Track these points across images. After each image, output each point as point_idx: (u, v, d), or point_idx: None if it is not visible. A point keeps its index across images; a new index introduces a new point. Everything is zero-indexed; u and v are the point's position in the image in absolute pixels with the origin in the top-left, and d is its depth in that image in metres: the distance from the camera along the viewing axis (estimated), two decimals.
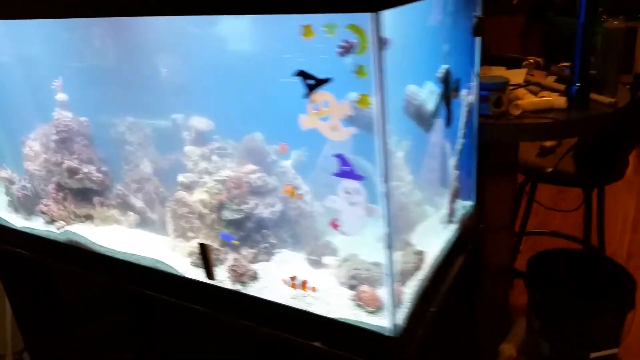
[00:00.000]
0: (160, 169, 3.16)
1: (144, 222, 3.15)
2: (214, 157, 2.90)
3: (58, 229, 3.11)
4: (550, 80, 3.86)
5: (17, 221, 3.42)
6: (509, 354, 4.05)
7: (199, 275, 2.67)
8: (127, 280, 2.87)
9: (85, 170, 2.96)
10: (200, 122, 2.88)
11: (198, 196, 2.83)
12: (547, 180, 4.25)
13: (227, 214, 2.66)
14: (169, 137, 3.24)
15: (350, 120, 1.91)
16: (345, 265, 2.53)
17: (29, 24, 3.16)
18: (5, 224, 3.45)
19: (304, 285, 2.40)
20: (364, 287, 2.32)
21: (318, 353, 2.36)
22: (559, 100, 3.39)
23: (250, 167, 2.73)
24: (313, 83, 1.85)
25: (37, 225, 3.29)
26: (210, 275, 2.60)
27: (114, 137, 3.29)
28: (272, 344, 2.51)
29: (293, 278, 2.39)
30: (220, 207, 2.69)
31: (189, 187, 2.86)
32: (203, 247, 2.55)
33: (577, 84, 3.38)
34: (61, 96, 3.07)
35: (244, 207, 2.64)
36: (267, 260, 2.68)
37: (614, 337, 2.94)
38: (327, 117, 1.90)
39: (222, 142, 2.95)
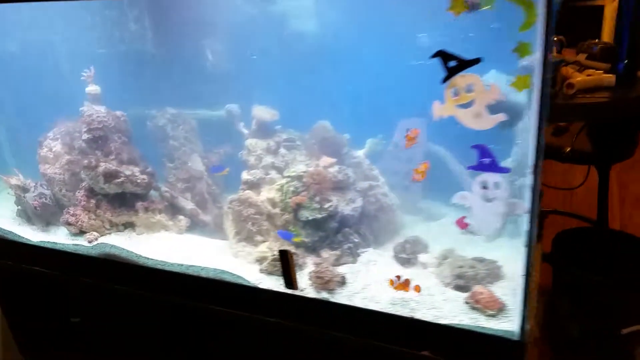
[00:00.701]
0: (213, 165, 2.82)
1: (194, 226, 2.78)
2: (282, 150, 2.59)
3: (90, 242, 2.68)
4: (582, 57, 3.76)
5: (32, 234, 2.94)
6: (531, 336, 3.89)
7: (274, 284, 2.35)
8: (185, 296, 2.49)
9: (128, 172, 2.56)
10: (263, 112, 2.57)
11: (266, 195, 2.51)
12: (564, 160, 4.16)
13: (307, 214, 2.36)
14: (221, 129, 2.90)
15: (493, 108, 1.66)
16: (446, 264, 2.29)
17: (46, 6, 2.75)
18: (16, 238, 2.96)
19: (406, 284, 2.13)
20: (479, 288, 2.08)
21: None
22: (609, 78, 3.28)
23: (328, 159, 2.44)
24: (455, 65, 1.58)
25: (59, 238, 2.83)
26: (292, 284, 2.28)
27: (153, 132, 2.92)
28: (370, 356, 2.22)
29: (399, 277, 2.12)
30: (297, 206, 2.38)
31: (254, 185, 2.53)
32: (284, 254, 2.23)
33: (624, 61, 3.29)
34: (93, 88, 2.66)
35: (326, 205, 2.34)
36: (353, 262, 2.39)
37: None
38: (469, 104, 1.64)
39: (287, 134, 2.66)
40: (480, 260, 2.26)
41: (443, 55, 1.57)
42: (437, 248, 2.40)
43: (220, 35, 2.78)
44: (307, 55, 2.71)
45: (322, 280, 2.24)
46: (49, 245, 2.81)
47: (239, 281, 2.40)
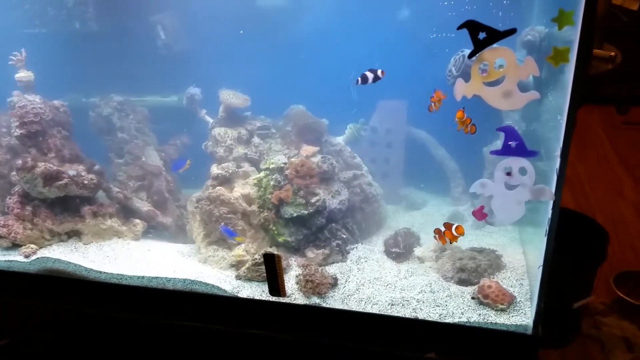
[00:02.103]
0: (173, 160, 2.45)
1: (151, 230, 2.40)
2: (255, 140, 2.28)
3: (27, 256, 2.23)
4: None
5: None
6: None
7: (255, 291, 2.07)
8: (149, 312, 2.14)
9: (72, 172, 2.13)
10: (233, 97, 2.23)
11: (240, 191, 2.19)
12: None
13: (291, 210, 2.08)
14: (177, 117, 2.54)
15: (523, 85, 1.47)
16: (445, 257, 2.11)
17: None
18: None
19: (450, 234, 1.83)
20: (487, 281, 1.92)
21: None
22: None
23: (311, 148, 2.17)
24: (485, 37, 1.36)
25: None
26: (279, 291, 2.00)
27: (96, 123, 2.49)
28: None
29: (437, 231, 1.84)
30: (280, 202, 2.09)
31: (226, 181, 2.21)
32: (271, 257, 1.94)
33: None
34: (25, 74, 2.18)
35: (313, 199, 2.07)
36: (343, 261, 2.15)
37: (591, 287, 2.98)
38: (497, 82, 1.43)
39: (260, 121, 2.35)
40: (480, 250, 2.12)
41: (472, 26, 1.34)
42: (430, 240, 2.22)
43: (176, 12, 2.41)
44: (276, 33, 2.42)
45: (313, 284, 1.99)
46: None
47: (214, 291, 2.09)
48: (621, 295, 2.90)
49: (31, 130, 2.17)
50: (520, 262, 2.13)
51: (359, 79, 1.75)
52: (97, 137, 2.48)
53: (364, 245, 2.27)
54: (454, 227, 1.75)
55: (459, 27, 1.37)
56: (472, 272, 2.02)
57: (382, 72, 1.77)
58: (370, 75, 1.74)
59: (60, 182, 2.15)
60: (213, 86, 2.42)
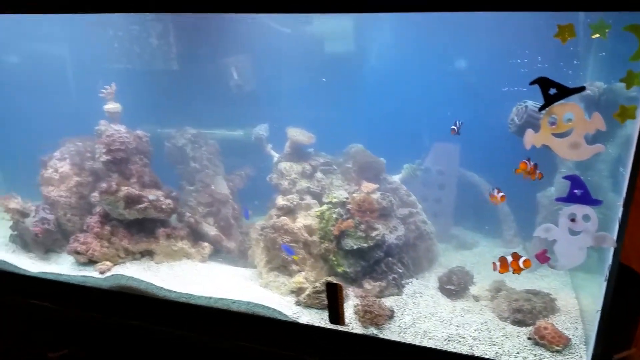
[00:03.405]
0: (237, 189, 2.63)
1: (217, 253, 2.56)
2: (318, 175, 2.44)
3: (102, 272, 2.41)
4: None
5: (29, 264, 2.63)
6: None
7: (314, 318, 2.17)
8: (214, 332, 2.26)
9: (152, 197, 2.33)
10: (299, 134, 2.42)
11: (303, 221, 2.34)
12: None
13: (352, 243, 2.21)
14: (245, 151, 2.74)
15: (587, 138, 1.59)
16: (500, 297, 2.18)
17: (60, 20, 2.54)
18: (10, 269, 2.62)
19: (516, 264, 1.89)
20: (543, 323, 1.98)
21: None
22: None
23: (371, 185, 2.32)
24: (555, 93, 1.50)
25: (63, 268, 2.54)
26: (338, 319, 2.11)
27: (170, 153, 2.71)
28: None
29: (502, 259, 1.88)
30: (342, 233, 2.23)
31: (290, 211, 2.36)
32: (333, 287, 2.06)
33: None
34: (113, 106, 2.44)
35: (373, 233, 2.20)
36: (399, 294, 2.25)
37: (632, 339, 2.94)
38: (565, 133, 1.56)
39: (322, 157, 2.52)
40: (535, 293, 2.18)
41: (544, 82, 1.48)
42: (484, 279, 2.30)
43: (249, 56, 2.64)
44: (339, 77, 2.61)
45: (371, 315, 2.08)
46: (51, 277, 2.51)
47: (275, 315, 2.20)
48: None
49: (117, 157, 2.39)
50: (574, 306, 2.18)
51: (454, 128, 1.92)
52: (170, 166, 2.68)
53: (419, 280, 2.36)
54: (521, 259, 1.81)
55: (532, 83, 1.51)
56: (528, 313, 2.08)
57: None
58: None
59: (140, 206, 2.35)
60: (278, 124, 2.61)
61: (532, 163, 1.74)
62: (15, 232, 2.75)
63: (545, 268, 2.51)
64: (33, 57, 2.70)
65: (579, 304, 2.19)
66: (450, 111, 2.29)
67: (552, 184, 2.40)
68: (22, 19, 2.55)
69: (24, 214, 2.63)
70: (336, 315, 2.11)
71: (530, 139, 1.59)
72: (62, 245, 2.69)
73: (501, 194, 1.83)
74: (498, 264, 1.87)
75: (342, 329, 2.12)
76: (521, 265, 1.81)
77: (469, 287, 2.25)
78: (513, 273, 1.83)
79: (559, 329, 1.98)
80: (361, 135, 2.59)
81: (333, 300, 2.10)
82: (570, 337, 1.96)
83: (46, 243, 2.64)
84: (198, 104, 2.68)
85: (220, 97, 2.65)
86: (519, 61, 1.80)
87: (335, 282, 2.06)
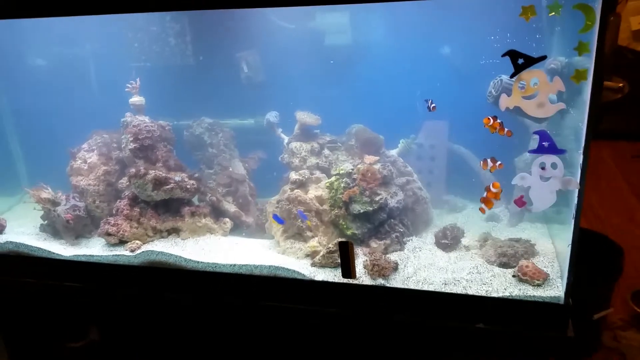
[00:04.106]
0: (252, 169, 2.94)
1: (236, 228, 2.86)
2: (326, 151, 2.76)
3: (132, 250, 2.68)
4: None
5: (62, 249, 2.87)
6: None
7: (328, 275, 2.49)
8: (241, 295, 2.56)
9: (177, 178, 2.61)
10: (307, 117, 2.74)
11: (314, 193, 2.66)
12: None
13: (358, 207, 2.54)
14: (257, 137, 3.04)
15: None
16: (487, 245, 2.54)
17: (88, 21, 2.81)
18: (45, 255, 2.85)
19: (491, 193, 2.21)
20: (525, 262, 2.34)
21: (480, 335, 2.32)
22: None
23: (372, 157, 2.65)
24: (522, 62, 1.86)
25: (95, 250, 2.79)
26: (350, 274, 2.43)
27: (188, 140, 3.01)
28: (429, 334, 2.41)
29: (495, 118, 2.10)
30: (350, 200, 2.55)
31: (302, 185, 2.68)
32: (345, 244, 2.38)
33: None
34: (137, 99, 2.71)
35: (377, 198, 2.53)
36: (401, 250, 2.58)
37: (609, 300, 3.33)
38: (532, 96, 1.92)
39: (328, 136, 2.84)
40: (517, 240, 2.54)
41: (513, 54, 1.84)
42: (471, 234, 2.65)
43: (257, 50, 2.94)
44: (340, 66, 2.93)
45: (379, 268, 2.41)
46: (83, 259, 2.77)
47: (295, 276, 2.51)
48: (638, 310, 3.26)
49: (144, 144, 2.66)
50: (551, 250, 2.54)
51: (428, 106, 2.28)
52: (189, 152, 2.97)
53: (418, 238, 2.70)
54: (497, 162, 2.13)
55: (503, 55, 1.87)
56: (511, 256, 2.43)
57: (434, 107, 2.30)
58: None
59: (167, 187, 2.63)
60: (286, 110, 2.93)
61: (497, 120, 2.08)
62: (46, 222, 3.00)
63: (525, 222, 2.90)
64: (59, 57, 2.96)
65: (554, 248, 2.56)
66: (424, 90, 2.65)
67: (527, 148, 2.77)
68: (49, 21, 2.82)
69: (55, 203, 2.88)
70: (348, 270, 2.43)
71: (505, 102, 1.95)
72: (91, 230, 2.94)
73: (498, 162, 2.15)
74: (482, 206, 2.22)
75: (353, 282, 2.45)
76: (492, 189, 2.16)
77: (461, 240, 2.60)
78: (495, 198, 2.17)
79: (539, 267, 2.34)
80: (361, 116, 2.91)
81: (345, 257, 2.42)
82: (549, 273, 2.32)
83: (77, 229, 2.89)
84: (212, 96, 2.97)
85: (232, 89, 2.94)
86: (492, 38, 2.16)
87: (346, 240, 2.38)
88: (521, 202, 2.13)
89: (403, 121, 2.90)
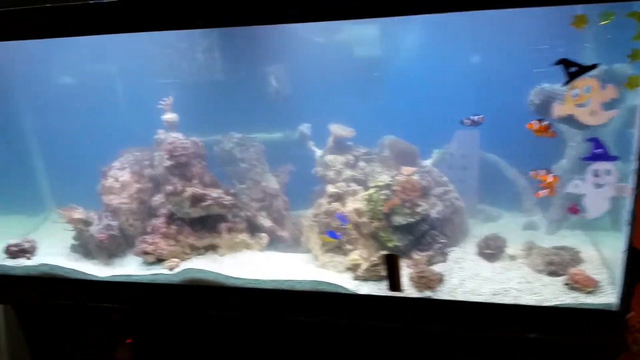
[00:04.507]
0: (284, 183, 2.92)
1: (271, 242, 2.82)
2: (361, 164, 2.74)
3: (171, 269, 2.64)
4: None
5: (97, 270, 2.79)
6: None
7: (372, 289, 2.45)
8: (284, 311, 2.51)
9: (214, 194, 2.58)
10: (341, 129, 2.72)
11: (352, 205, 2.63)
12: None
13: (400, 219, 2.51)
14: (286, 151, 3.03)
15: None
16: (534, 254, 2.51)
17: (119, 40, 2.79)
18: (79, 276, 2.77)
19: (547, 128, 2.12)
20: (575, 270, 2.31)
21: (533, 345, 2.29)
22: None
23: (410, 168, 2.63)
24: (575, 70, 1.85)
25: (132, 270, 2.74)
26: (397, 287, 2.39)
27: (219, 156, 2.98)
28: (480, 346, 2.37)
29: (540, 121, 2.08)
30: (391, 211, 2.52)
31: (339, 198, 2.65)
32: (391, 257, 2.35)
33: None
34: (171, 116, 2.69)
35: (418, 209, 2.50)
36: (444, 261, 2.55)
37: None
38: (585, 103, 1.91)
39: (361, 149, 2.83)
40: (562, 248, 2.51)
41: (565, 62, 1.83)
42: (512, 243, 2.62)
43: (286, 65, 2.94)
44: (369, 78, 2.92)
45: (426, 279, 2.37)
46: (121, 279, 2.72)
47: (338, 290, 2.47)
48: None
49: (179, 162, 2.64)
50: (596, 258, 2.51)
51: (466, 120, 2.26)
52: (217, 168, 2.94)
53: (459, 248, 2.67)
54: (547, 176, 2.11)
55: (556, 63, 1.86)
56: (559, 265, 2.40)
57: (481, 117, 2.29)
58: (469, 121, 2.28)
59: (205, 203, 2.60)
60: (314, 124, 2.92)
61: (543, 122, 2.06)
62: (78, 242, 2.95)
63: (565, 229, 2.88)
64: (88, 74, 2.95)
65: (600, 255, 2.53)
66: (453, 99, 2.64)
67: (564, 156, 2.75)
68: (76, 40, 2.81)
69: (87, 223, 2.84)
70: (395, 283, 2.40)
71: (558, 110, 1.94)
72: (124, 249, 2.90)
73: (551, 174, 2.13)
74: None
75: (400, 295, 2.41)
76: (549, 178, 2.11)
77: (504, 249, 2.57)
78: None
79: (589, 274, 2.31)
80: (391, 128, 2.90)
81: (391, 269, 2.39)
82: (599, 280, 2.29)
83: (110, 248, 2.85)
84: (240, 111, 2.95)
85: (260, 104, 2.93)
86: (543, 47, 2.15)
87: (392, 253, 2.35)
88: (574, 210, 2.11)
89: (434, 131, 2.89)
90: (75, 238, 2.95)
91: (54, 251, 3.03)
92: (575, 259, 2.45)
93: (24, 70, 3.07)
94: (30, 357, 3.29)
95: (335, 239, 2.53)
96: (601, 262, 2.47)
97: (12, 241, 2.94)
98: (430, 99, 2.85)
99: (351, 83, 2.94)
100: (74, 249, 2.98)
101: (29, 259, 2.89)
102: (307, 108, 2.97)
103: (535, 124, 2.08)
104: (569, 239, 2.76)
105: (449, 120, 2.72)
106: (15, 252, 2.89)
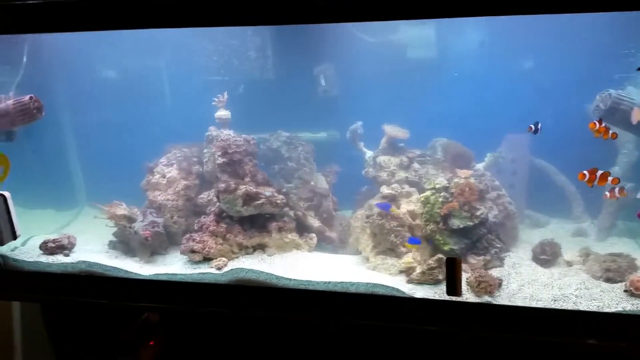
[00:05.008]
0: (332, 183, 2.88)
1: (318, 243, 2.77)
2: (415, 165, 2.71)
3: (219, 268, 2.58)
4: None
5: (139, 268, 2.71)
6: None
7: (427, 293, 2.42)
8: (335, 314, 2.46)
9: (267, 193, 2.53)
10: (396, 130, 2.69)
11: (406, 207, 2.60)
12: None
13: (458, 222, 2.48)
14: (331, 151, 2.99)
15: None
16: (591, 260, 2.49)
17: (163, 33, 2.75)
18: (121, 274, 2.68)
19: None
20: (636, 277, 2.30)
21: (590, 351, 2.27)
22: None
23: (466, 172, 2.60)
24: None
25: (176, 268, 2.66)
26: (456, 291, 2.35)
27: (265, 154, 2.94)
28: (539, 352, 2.34)
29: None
30: (449, 214, 2.50)
31: (393, 199, 2.62)
32: (452, 261, 2.31)
33: None
34: (224, 113, 2.65)
35: (478, 212, 2.48)
36: (501, 266, 2.53)
37: None
38: None
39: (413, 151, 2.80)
40: (618, 255, 2.50)
41: None
42: (566, 249, 2.61)
43: (336, 64, 2.91)
44: (420, 80, 2.90)
45: (486, 284, 2.35)
46: (165, 278, 2.65)
47: (394, 293, 2.43)
48: None
49: (233, 159, 2.59)
50: None
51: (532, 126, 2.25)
52: (265, 166, 2.90)
53: (515, 253, 2.65)
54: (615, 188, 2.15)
55: (639, 69, 1.85)
56: (616, 271, 2.39)
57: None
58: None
59: (258, 202, 2.55)
60: (365, 123, 2.89)
61: (602, 124, 2.08)
62: (116, 239, 2.88)
63: (613, 236, 2.88)
64: (135, 70, 2.89)
65: None
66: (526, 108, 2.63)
67: (616, 163, 2.75)
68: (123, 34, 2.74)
69: (131, 220, 2.77)
70: (454, 287, 2.36)
71: (637, 115, 1.93)
72: (166, 247, 2.84)
73: (618, 187, 2.14)
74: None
75: (458, 300, 2.38)
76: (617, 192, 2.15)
77: (560, 255, 2.55)
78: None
79: None
80: (443, 130, 2.88)
81: (451, 273, 2.35)
82: None
83: (154, 246, 2.78)
84: (288, 110, 2.91)
85: (307, 103, 2.89)
86: (625, 51, 2.15)
87: (454, 256, 2.32)
88: None
89: (485, 136, 2.87)
90: (116, 235, 2.87)
91: (91, 247, 2.95)
92: (631, 265, 2.44)
93: (62, 62, 3.00)
94: (54, 357, 3.20)
95: (417, 244, 2.49)
96: None
97: (50, 237, 2.85)
98: (484, 106, 2.84)
99: (403, 88, 2.92)
100: (113, 245, 2.91)
101: (66, 255, 2.81)
102: (353, 108, 2.94)
103: (596, 125, 2.10)
104: (618, 245, 2.77)
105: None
106: (53, 248, 2.81)
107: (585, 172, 2.21)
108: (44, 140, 3.11)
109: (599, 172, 2.19)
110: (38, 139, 3.17)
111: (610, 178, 2.20)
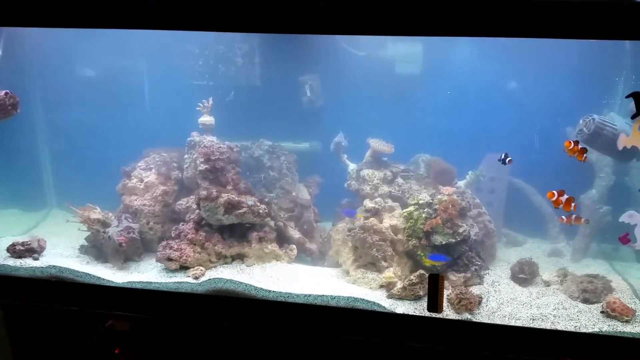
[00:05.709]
0: (314, 194, 2.84)
1: (299, 255, 2.72)
2: (399, 180, 2.70)
3: (196, 277, 2.50)
4: None
5: (111, 275, 2.60)
6: None
7: (408, 308, 2.40)
8: (315, 328, 2.41)
9: (250, 202, 2.47)
10: (381, 145, 2.69)
11: (389, 222, 2.59)
12: None
13: (440, 239, 2.48)
14: (313, 161, 2.96)
15: None
16: (568, 281, 2.53)
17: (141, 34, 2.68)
18: (92, 281, 2.56)
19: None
20: (612, 299, 2.34)
21: None
22: None
23: (449, 188, 2.61)
24: None
25: (151, 277, 2.57)
26: (437, 307, 2.34)
27: (246, 162, 2.89)
28: None
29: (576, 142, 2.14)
30: (431, 230, 2.49)
31: (376, 213, 2.60)
32: (435, 277, 2.30)
33: None
34: (208, 119, 2.59)
35: (460, 230, 2.48)
36: (481, 284, 2.53)
37: None
38: None
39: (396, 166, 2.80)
40: (594, 276, 2.54)
41: (637, 96, 1.86)
42: (543, 269, 2.64)
43: (323, 75, 2.90)
44: (403, 95, 2.92)
45: (467, 302, 2.34)
46: (139, 286, 2.54)
47: (375, 308, 2.41)
48: None
49: (216, 166, 2.52)
50: (625, 287, 2.56)
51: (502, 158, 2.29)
52: (246, 175, 2.84)
53: (493, 271, 2.66)
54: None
55: (627, 96, 1.89)
56: (592, 292, 2.43)
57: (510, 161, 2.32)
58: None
59: (239, 211, 2.49)
60: (348, 136, 2.88)
61: (578, 145, 2.12)
62: (88, 243, 2.76)
63: (588, 258, 2.94)
64: (114, 71, 2.81)
65: (629, 284, 2.58)
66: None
67: (593, 187, 2.82)
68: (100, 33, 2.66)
69: (105, 224, 2.67)
70: (435, 303, 2.35)
71: (623, 141, 1.97)
72: (141, 253, 2.74)
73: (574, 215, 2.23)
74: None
75: (439, 316, 2.37)
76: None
77: (538, 275, 2.58)
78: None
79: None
80: (424, 145, 2.90)
81: (434, 290, 2.34)
82: (635, 309, 2.33)
83: (128, 252, 2.68)
84: (272, 118, 2.88)
85: (292, 112, 2.87)
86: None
87: (437, 273, 2.31)
88: (626, 240, 2.14)
89: (465, 154, 2.91)
90: (87, 239, 2.76)
91: (60, 251, 2.83)
92: (607, 287, 2.49)
93: (38, 58, 2.89)
94: None
95: (441, 261, 2.47)
96: (631, 292, 2.51)
97: (19, 239, 2.72)
98: (465, 122, 2.87)
99: (386, 103, 2.93)
100: (84, 250, 2.79)
101: (36, 259, 2.68)
102: (338, 120, 2.93)
103: (571, 144, 2.13)
104: (592, 267, 2.82)
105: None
106: (22, 251, 2.67)
107: (554, 191, 2.24)
108: (11, 136, 2.97)
109: (564, 197, 2.23)
110: (2, 134, 3.03)
111: (573, 204, 2.25)
